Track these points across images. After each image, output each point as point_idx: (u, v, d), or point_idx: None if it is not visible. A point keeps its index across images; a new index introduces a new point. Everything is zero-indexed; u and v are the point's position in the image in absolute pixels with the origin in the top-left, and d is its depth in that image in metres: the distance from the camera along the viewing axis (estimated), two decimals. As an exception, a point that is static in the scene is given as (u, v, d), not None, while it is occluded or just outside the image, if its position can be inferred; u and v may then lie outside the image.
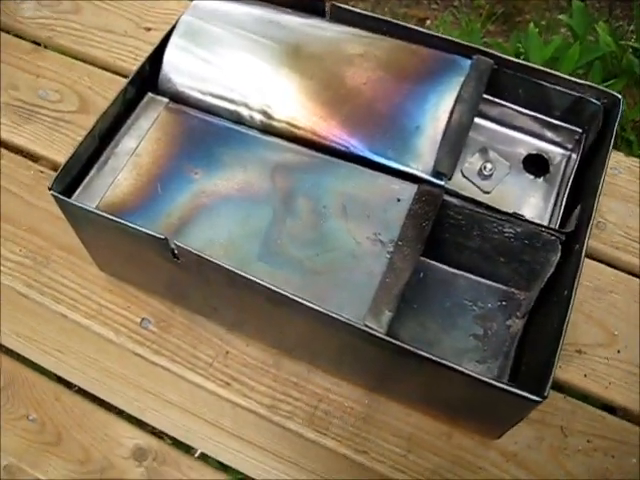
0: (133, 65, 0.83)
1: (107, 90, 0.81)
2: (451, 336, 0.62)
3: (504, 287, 0.64)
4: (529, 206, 0.64)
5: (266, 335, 0.63)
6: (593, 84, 0.61)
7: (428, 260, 0.64)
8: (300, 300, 0.49)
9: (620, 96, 0.60)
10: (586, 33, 1.88)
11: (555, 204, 0.64)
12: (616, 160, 0.75)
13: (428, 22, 3.18)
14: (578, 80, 0.61)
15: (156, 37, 0.82)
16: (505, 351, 0.61)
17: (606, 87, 1.69)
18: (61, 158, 0.76)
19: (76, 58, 0.86)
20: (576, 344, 0.65)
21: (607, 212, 0.72)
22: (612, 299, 0.68)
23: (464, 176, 0.65)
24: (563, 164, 0.66)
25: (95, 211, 0.53)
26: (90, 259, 0.66)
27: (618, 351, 0.65)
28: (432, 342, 0.62)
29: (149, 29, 0.86)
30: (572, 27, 1.83)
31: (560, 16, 1.92)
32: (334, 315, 0.49)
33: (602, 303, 0.68)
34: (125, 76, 0.83)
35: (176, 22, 0.63)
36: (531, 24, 1.89)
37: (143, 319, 0.66)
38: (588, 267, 0.69)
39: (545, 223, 0.63)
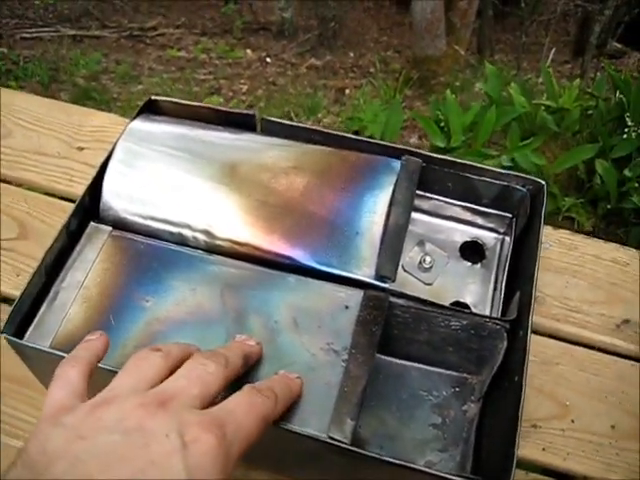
0: (69, 187, 0.83)
1: (45, 214, 0.81)
2: (411, 428, 0.63)
3: (455, 373, 0.65)
4: (470, 293, 0.67)
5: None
6: (518, 173, 0.64)
7: (380, 355, 0.65)
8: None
9: (543, 182, 0.64)
10: (500, 95, 1.97)
11: (495, 288, 0.66)
12: (546, 234, 0.78)
13: (347, 91, 3.29)
14: (502, 170, 0.65)
15: (89, 156, 0.84)
16: (465, 437, 0.63)
17: (525, 146, 1.77)
18: (5, 288, 0.75)
19: (10, 183, 0.86)
20: (531, 419, 0.67)
21: (544, 285, 0.75)
22: (559, 370, 0.70)
23: (405, 270, 0.67)
24: (498, 248, 0.69)
25: (49, 351, 0.53)
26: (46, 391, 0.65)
27: (572, 421, 0.68)
28: (393, 436, 0.63)
29: (82, 148, 0.87)
30: (488, 93, 1.92)
31: (477, 85, 2.01)
32: (299, 431, 0.50)
33: (550, 375, 0.70)
34: (62, 198, 0.83)
35: (113, 148, 0.65)
36: (448, 91, 1.98)
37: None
38: (533, 342, 0.70)
39: (487, 307, 0.65)
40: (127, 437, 0.36)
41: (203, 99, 2.95)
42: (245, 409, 0.43)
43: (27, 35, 3.46)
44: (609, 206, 1.81)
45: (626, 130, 1.83)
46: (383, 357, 0.65)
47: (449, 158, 0.65)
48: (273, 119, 0.68)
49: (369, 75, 3.36)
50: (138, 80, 3.15)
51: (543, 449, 0.66)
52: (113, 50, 3.48)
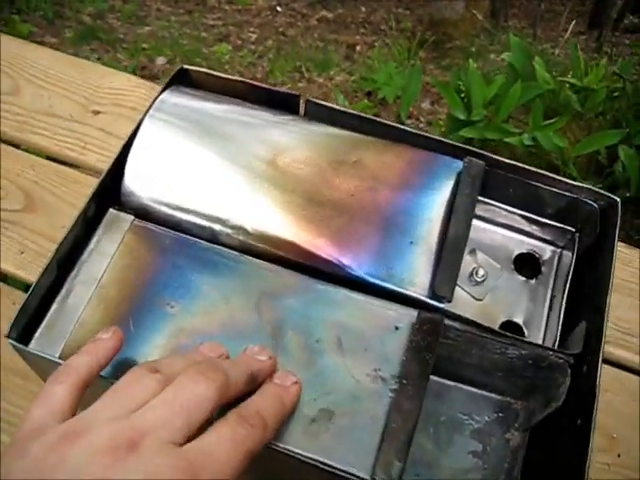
0: (82, 155, 0.75)
1: (54, 184, 0.73)
2: (449, 455, 0.58)
3: (499, 397, 0.59)
4: (522, 311, 0.60)
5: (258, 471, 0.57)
6: (589, 186, 0.58)
7: (421, 374, 0.59)
8: (301, 457, 0.45)
9: (618, 199, 0.57)
10: (525, 70, 1.88)
11: (550, 308, 0.60)
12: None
13: (358, 48, 3.19)
14: (574, 182, 0.58)
15: (106, 121, 0.76)
16: (507, 468, 0.57)
17: (548, 125, 1.69)
18: (9, 266, 0.68)
19: (18, 147, 0.78)
20: (575, 451, 0.62)
21: (595, 302, 0.69)
22: (608, 399, 0.65)
23: (455, 283, 0.61)
24: (555, 263, 0.62)
25: (58, 362, 0.47)
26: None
27: (619, 455, 0.62)
28: (430, 463, 0.57)
29: (97, 112, 0.79)
30: (513, 65, 1.83)
31: (503, 55, 1.92)
32: (341, 473, 0.45)
33: (598, 404, 0.64)
34: (73, 166, 0.75)
35: (139, 124, 0.57)
36: (470, 60, 1.89)
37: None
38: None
39: (541, 329, 0.60)
40: None
41: (212, 46, 2.85)
42: (227, 447, 0.36)
43: (31, -33, 3.31)
44: (628, 194, 1.75)
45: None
46: (423, 375, 0.60)
47: (515, 163, 0.58)
48: (319, 102, 0.61)
49: (381, 32, 3.26)
50: (145, 22, 3.03)
51: (587, 484, 0.61)
52: (120, -13, 3.34)
